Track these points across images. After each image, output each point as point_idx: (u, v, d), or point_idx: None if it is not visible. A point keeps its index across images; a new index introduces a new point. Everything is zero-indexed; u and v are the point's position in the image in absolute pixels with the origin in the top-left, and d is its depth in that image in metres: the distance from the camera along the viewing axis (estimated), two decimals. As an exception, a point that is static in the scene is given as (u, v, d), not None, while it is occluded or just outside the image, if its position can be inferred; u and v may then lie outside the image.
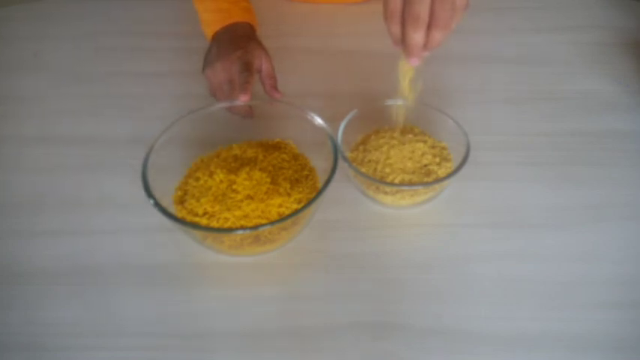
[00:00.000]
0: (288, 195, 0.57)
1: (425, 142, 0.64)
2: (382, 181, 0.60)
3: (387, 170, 0.61)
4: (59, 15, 0.94)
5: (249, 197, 0.56)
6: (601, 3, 0.95)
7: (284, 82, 0.68)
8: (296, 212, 0.52)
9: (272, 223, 0.51)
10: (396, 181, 0.60)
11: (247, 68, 0.64)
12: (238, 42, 0.68)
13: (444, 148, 0.64)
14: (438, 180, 0.60)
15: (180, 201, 0.58)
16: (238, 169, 0.59)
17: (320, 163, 0.62)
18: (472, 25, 0.90)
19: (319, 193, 0.53)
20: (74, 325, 0.53)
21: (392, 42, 0.53)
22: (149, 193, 0.53)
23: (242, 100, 0.61)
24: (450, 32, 0.50)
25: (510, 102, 0.76)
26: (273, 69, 0.68)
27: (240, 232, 0.52)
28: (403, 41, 0.51)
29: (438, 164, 0.62)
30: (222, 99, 0.66)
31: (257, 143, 0.64)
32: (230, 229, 0.54)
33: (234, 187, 0.57)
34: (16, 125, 0.74)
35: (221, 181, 0.58)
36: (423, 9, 0.48)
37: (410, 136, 0.64)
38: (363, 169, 0.62)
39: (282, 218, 0.52)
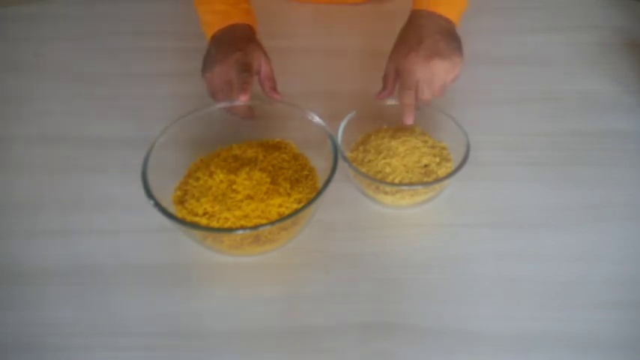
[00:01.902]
0: (288, 195, 0.57)
1: (425, 142, 0.64)
2: (382, 181, 0.60)
3: (387, 170, 0.61)
4: (60, 15, 0.94)
5: (249, 197, 0.56)
6: (601, 3, 0.95)
7: (284, 82, 0.68)
8: (296, 212, 0.52)
9: (272, 223, 0.51)
10: (396, 181, 0.60)
11: (246, 69, 0.63)
12: (237, 44, 0.67)
13: (444, 148, 0.64)
14: (438, 180, 0.60)
15: (180, 201, 0.58)
16: (238, 169, 0.59)
17: (320, 163, 0.62)
18: (472, 25, 0.90)
19: (319, 193, 0.53)
20: (74, 325, 0.53)
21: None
22: (149, 193, 0.53)
23: (241, 100, 0.61)
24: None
25: (510, 102, 0.76)
26: (272, 71, 0.68)
27: (240, 232, 0.52)
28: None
29: (438, 164, 0.62)
30: (221, 101, 0.66)
31: (257, 143, 0.64)
32: (230, 229, 0.54)
33: (234, 187, 0.57)
34: (16, 125, 0.74)
35: (221, 181, 0.58)
36: (410, 99, 0.63)
37: (410, 136, 0.64)
38: (363, 169, 0.62)
39: (282, 218, 0.52)
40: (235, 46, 0.66)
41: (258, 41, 0.70)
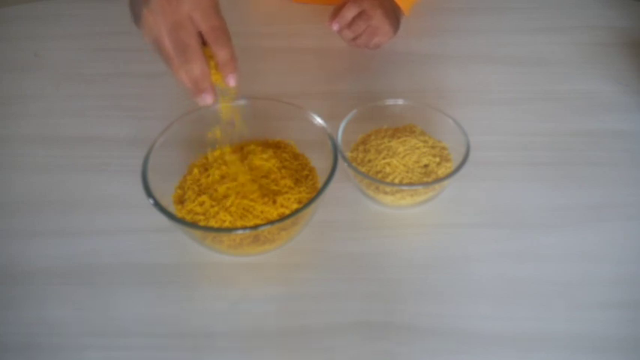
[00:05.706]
0: (288, 195, 0.57)
1: (425, 142, 0.64)
2: (382, 181, 0.60)
3: (387, 170, 0.61)
4: (59, 15, 0.94)
5: (249, 197, 0.56)
6: (601, 3, 0.95)
7: (284, 82, 0.68)
8: (296, 212, 0.52)
9: (272, 223, 0.51)
10: (396, 181, 0.60)
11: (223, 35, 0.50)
12: None
13: (444, 148, 0.64)
14: (438, 180, 0.60)
15: (180, 201, 0.58)
16: (238, 169, 0.59)
17: (320, 163, 0.62)
18: (472, 25, 0.91)
19: (319, 193, 0.53)
20: (74, 325, 0.53)
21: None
22: (149, 193, 0.53)
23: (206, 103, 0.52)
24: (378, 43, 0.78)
25: (510, 102, 0.76)
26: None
27: (239, 232, 0.52)
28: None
29: (438, 164, 0.62)
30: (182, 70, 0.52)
31: (257, 143, 0.64)
32: (230, 229, 0.54)
33: (234, 187, 0.57)
34: (16, 125, 0.74)
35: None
36: (353, 8, 0.74)
37: (410, 136, 0.64)
38: (363, 169, 0.62)
39: (282, 218, 0.52)
40: None
41: None
